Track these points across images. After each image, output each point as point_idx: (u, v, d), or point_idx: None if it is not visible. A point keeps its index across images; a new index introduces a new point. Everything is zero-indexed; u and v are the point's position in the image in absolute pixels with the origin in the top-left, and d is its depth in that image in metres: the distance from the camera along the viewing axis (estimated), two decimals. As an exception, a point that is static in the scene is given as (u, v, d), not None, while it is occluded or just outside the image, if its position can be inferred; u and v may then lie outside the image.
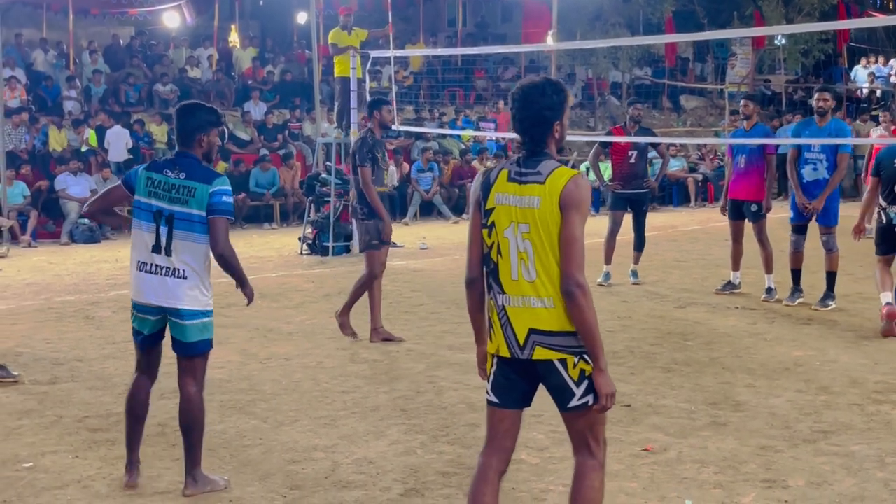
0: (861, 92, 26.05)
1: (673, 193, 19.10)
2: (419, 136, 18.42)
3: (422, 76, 22.62)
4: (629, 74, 25.75)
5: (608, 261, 10.00)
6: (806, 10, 25.17)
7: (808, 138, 8.58)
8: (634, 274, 10.10)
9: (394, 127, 14.62)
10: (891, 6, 31.66)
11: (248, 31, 25.10)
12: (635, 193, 10.06)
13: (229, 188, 4.48)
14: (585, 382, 3.30)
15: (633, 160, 9.99)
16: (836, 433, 5.25)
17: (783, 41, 25.76)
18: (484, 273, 3.47)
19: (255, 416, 5.66)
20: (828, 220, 8.60)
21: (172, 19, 21.66)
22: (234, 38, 23.09)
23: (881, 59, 26.98)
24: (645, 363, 6.80)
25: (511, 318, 3.35)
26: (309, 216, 13.42)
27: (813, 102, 8.84)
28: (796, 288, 8.88)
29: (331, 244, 12.51)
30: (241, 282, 4.58)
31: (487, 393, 3.51)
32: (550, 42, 19.80)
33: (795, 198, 8.64)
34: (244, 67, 21.41)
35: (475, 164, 18.13)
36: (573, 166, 19.03)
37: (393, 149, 18.27)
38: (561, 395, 3.35)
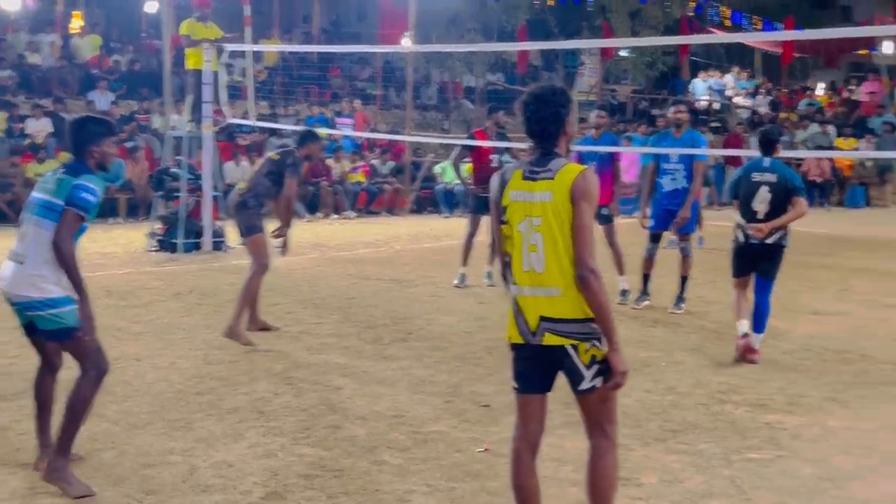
0: (700, 104, 27.28)
1: (524, 197, 19.47)
2: (273, 132, 18.12)
3: (277, 72, 22.27)
4: (483, 79, 26.12)
5: (464, 263, 10.12)
6: (651, 23, 26.17)
7: (668, 149, 8.92)
8: (489, 276, 10.24)
9: (248, 122, 14.45)
10: (728, 24, 33.33)
11: (93, 18, 24.05)
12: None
13: (96, 188, 4.39)
14: (595, 367, 3.57)
15: (494, 164, 10.15)
16: (685, 432, 5.47)
17: (629, 53, 26.71)
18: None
19: (106, 418, 5.42)
20: (686, 228, 8.98)
21: (12, 2, 20.54)
22: (75, 24, 22.10)
23: (718, 74, 28.36)
24: (503, 363, 6.81)
25: (522, 306, 3.60)
26: (157, 211, 12.99)
27: (670, 115, 9.20)
28: (644, 292, 9.22)
29: (181, 240, 12.15)
30: (77, 288, 4.40)
31: (512, 380, 3.77)
32: (407, 44, 19.86)
33: (678, 210, 8.84)
34: (87, 56, 20.50)
35: (330, 162, 18.00)
36: (430, 168, 19.16)
37: (246, 145, 17.94)
38: (573, 377, 3.61)
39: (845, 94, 26.10)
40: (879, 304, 9.52)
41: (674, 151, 8.89)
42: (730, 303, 8.69)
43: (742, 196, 7.11)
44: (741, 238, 7.14)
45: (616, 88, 28.66)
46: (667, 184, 8.94)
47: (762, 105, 25.90)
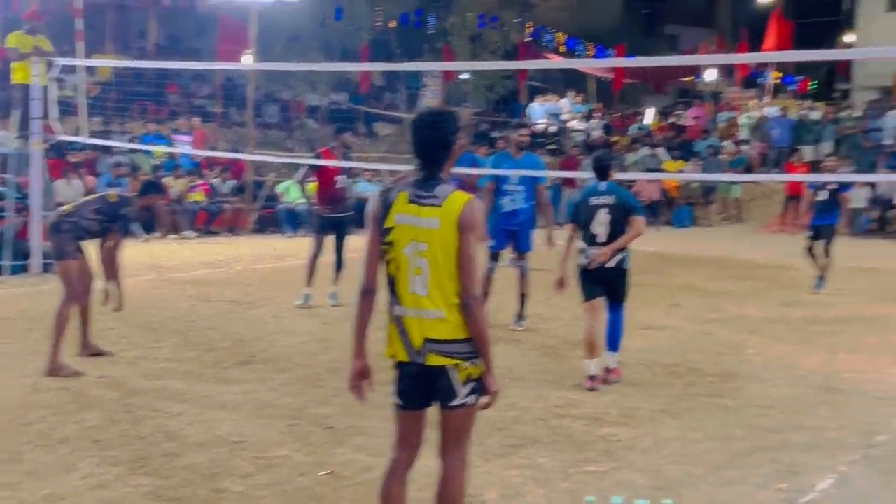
0: (537, 127, 28.05)
1: (368, 217, 19.48)
2: (106, 149, 17.47)
3: (111, 87, 21.52)
4: (326, 98, 26.05)
5: (308, 283, 10.04)
6: (491, 48, 26.82)
7: (509, 170, 9.15)
8: (334, 296, 10.20)
9: (80, 139, 13.89)
10: (563, 49, 34.49)
11: None
12: (340, 217, 10.21)
13: None
14: (470, 385, 3.71)
15: (340, 184, 10.17)
16: (525, 447, 5.60)
17: (470, 76, 27.24)
18: (378, 285, 3.79)
19: (-78, 454, 5.09)
20: (525, 247, 9.21)
21: None
22: None
23: (555, 98, 29.26)
24: (346, 384, 6.86)
25: (407, 327, 3.71)
26: (-20, 232, 12.28)
27: (517, 137, 9.45)
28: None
29: (7, 262, 11.54)
30: None
31: (393, 396, 3.84)
32: (248, 61, 19.58)
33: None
34: None
35: (168, 180, 17.49)
36: (272, 187, 18.90)
37: (77, 162, 17.23)
38: (446, 395, 3.72)
39: (672, 119, 27.39)
40: (705, 319, 10.02)
41: (545, 174, 9.14)
42: (569, 319, 8.97)
43: (582, 220, 7.14)
44: (584, 262, 7.14)
45: (457, 110, 29.14)
46: (506, 204, 9.17)
47: (596, 129, 26.87)
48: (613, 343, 7.24)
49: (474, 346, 3.70)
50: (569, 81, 31.52)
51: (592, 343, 7.07)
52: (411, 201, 3.69)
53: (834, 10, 37.17)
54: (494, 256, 9.31)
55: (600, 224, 7.03)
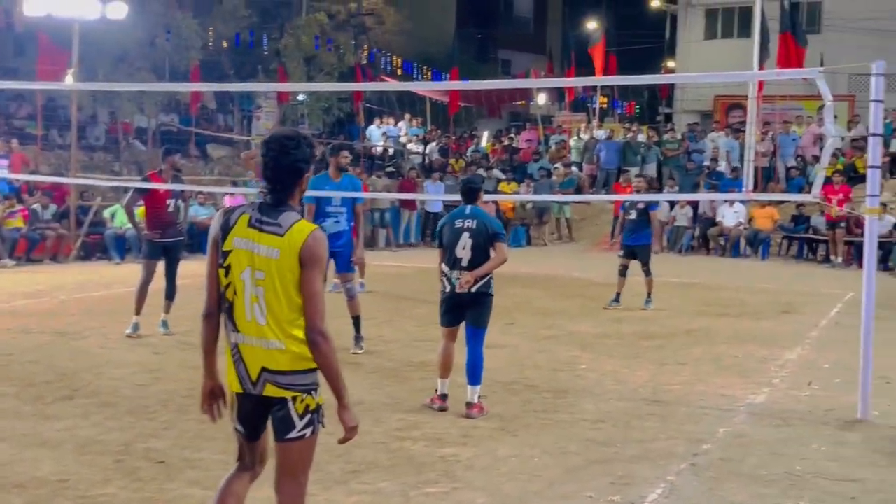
0: (376, 149, 28.15)
1: (202, 241, 18.98)
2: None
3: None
4: (155, 120, 25.26)
5: (138, 311, 9.66)
6: (326, 70, 26.73)
7: (332, 191, 9.07)
8: (165, 324, 9.84)
9: None
10: (399, 72, 34.83)
11: None
12: (171, 242, 9.88)
13: None
14: (307, 417, 3.62)
15: (171, 208, 9.83)
16: (365, 472, 5.54)
17: (306, 97, 27.04)
18: (219, 309, 3.67)
19: None
20: (347, 268, 9.15)
21: None
22: None
23: (392, 120, 29.46)
24: (179, 416, 6.63)
25: (244, 355, 3.59)
26: None
27: (339, 159, 9.34)
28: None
29: None
30: None
31: (234, 421, 3.74)
32: (70, 81, 18.76)
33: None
34: None
35: (-16, 207, 16.51)
36: (97, 211, 18.12)
37: None
38: (283, 426, 3.62)
39: (506, 142, 28.03)
40: (540, 337, 10.24)
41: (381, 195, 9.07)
42: (408, 341, 9.00)
43: (446, 243, 7.04)
44: (448, 287, 7.01)
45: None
46: (330, 226, 9.08)
47: (433, 151, 27.19)
48: (474, 376, 6.94)
49: (314, 377, 3.62)
50: (405, 104, 31.83)
51: (447, 363, 7.05)
52: (251, 225, 3.57)
53: (656, 37, 39.09)
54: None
55: (463, 248, 6.96)
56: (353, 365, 8.56)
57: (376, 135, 28.17)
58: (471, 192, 7.18)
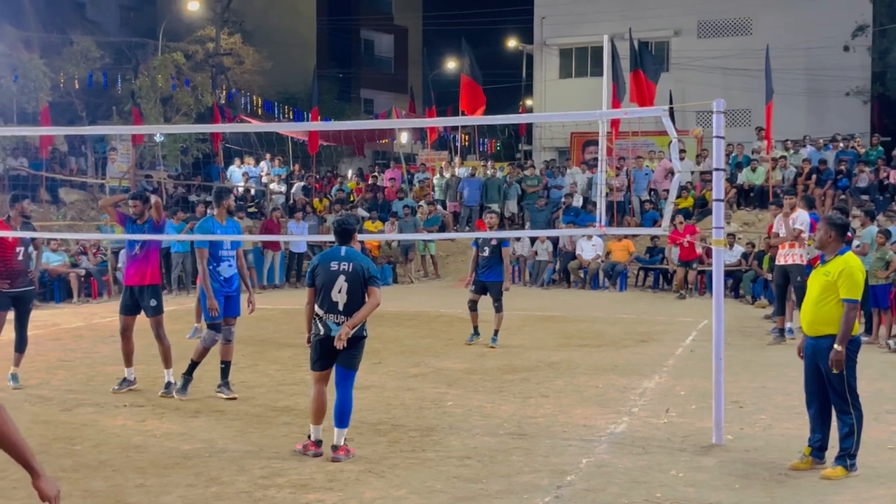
0: (238, 190, 27.71)
1: (55, 289, 18.24)
2: None
3: None
4: (3, 164, 24.20)
5: (-12, 364, 9.20)
6: (183, 110, 26.24)
7: (224, 236, 8.95)
8: (14, 377, 9.39)
9: None
10: (260, 112, 34.50)
11: None
12: (22, 291, 9.47)
13: None
14: None
15: (20, 257, 9.45)
16: (228, 523, 5.39)
17: (162, 138, 26.44)
18: None
19: None
20: (238, 311, 9.09)
21: None
22: None
23: (252, 160, 29.10)
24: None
25: None
26: None
27: (229, 202, 9.36)
28: (188, 379, 9.04)
29: None
30: None
31: None
32: None
33: (207, 299, 8.86)
34: None
35: None
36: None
37: None
38: None
39: (370, 180, 28.09)
40: (407, 375, 10.24)
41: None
42: (272, 385, 8.85)
43: (321, 285, 6.88)
44: (322, 330, 6.86)
45: (151, 174, 28.17)
46: (225, 270, 9.01)
47: (296, 191, 26.99)
48: (343, 419, 6.85)
49: None
50: (266, 144, 31.52)
51: (321, 409, 6.94)
52: None
53: (514, 76, 40.09)
54: (218, 326, 8.99)
55: (339, 291, 6.83)
56: (216, 412, 8.37)
57: (237, 175, 27.77)
58: (345, 233, 7.07)
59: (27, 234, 9.64)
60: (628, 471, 6.54)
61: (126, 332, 9.27)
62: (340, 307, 6.82)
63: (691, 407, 8.59)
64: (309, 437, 7.00)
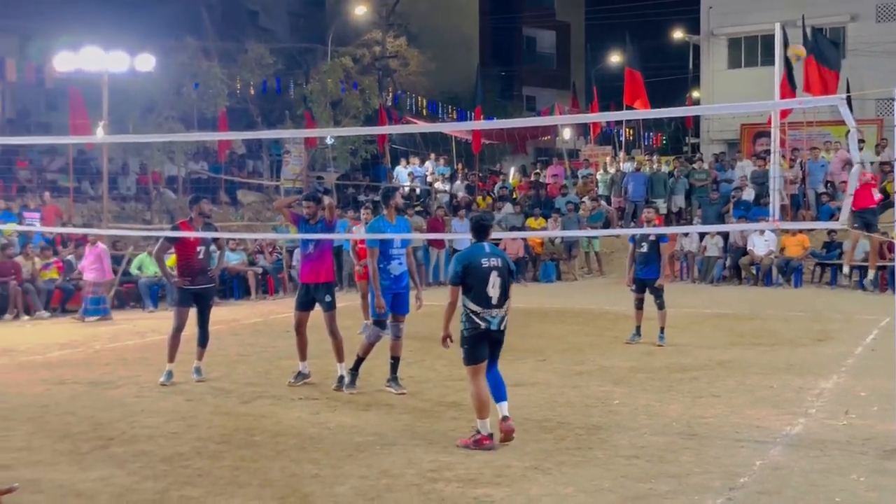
0: (403, 189, 28.28)
1: (234, 287, 19.15)
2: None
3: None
4: (185, 168, 25.62)
5: (171, 359, 9.74)
6: (352, 113, 27.00)
7: (394, 234, 9.16)
8: (198, 371, 9.91)
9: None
10: (424, 112, 35.08)
11: None
12: (203, 289, 9.99)
13: None
14: None
15: (201, 255, 9.95)
16: (398, 514, 5.52)
17: (333, 141, 27.31)
18: None
19: None
20: (406, 309, 9.27)
21: None
22: None
23: (418, 160, 29.64)
24: (212, 463, 6.65)
25: None
26: None
27: (395, 200, 9.55)
28: (354, 374, 9.28)
29: None
30: None
31: None
32: (101, 133, 19.10)
33: (375, 297, 9.07)
34: None
35: (19, 259, 16.76)
36: (129, 261, 18.30)
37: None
38: None
39: (532, 177, 28.08)
40: (572, 373, 10.18)
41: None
42: (439, 381, 8.98)
43: (473, 283, 7.13)
44: (482, 325, 7.12)
45: (322, 175, 29.14)
46: (395, 269, 9.18)
47: (460, 189, 27.29)
48: (504, 393, 7.24)
49: None
50: (431, 144, 32.03)
51: (485, 403, 7.12)
52: None
53: (680, 68, 39.17)
54: (383, 324, 9.20)
55: (493, 286, 7.14)
56: (385, 406, 8.57)
57: (403, 175, 28.35)
58: (483, 229, 7.42)
59: (208, 235, 10.14)
60: (805, 474, 6.28)
61: (301, 328, 9.63)
62: (494, 301, 7.15)
63: (872, 408, 8.16)
64: (478, 432, 7.09)
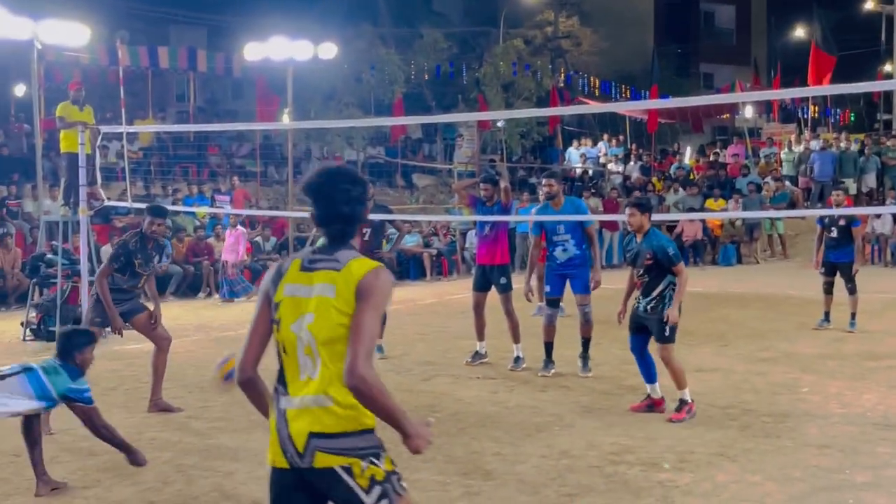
0: (575, 172, 28.09)
1: (410, 268, 19.58)
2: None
3: (152, 151, 21.95)
4: (363, 153, 26.33)
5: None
6: (524, 95, 26.99)
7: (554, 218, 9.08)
8: (380, 349, 10.21)
9: (125, 204, 14.14)
10: (597, 93, 34.64)
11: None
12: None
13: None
14: (377, 489, 3.02)
15: (367, 237, 10.21)
16: (581, 495, 5.52)
17: (504, 123, 27.38)
18: (258, 371, 3.21)
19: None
20: (585, 289, 9.05)
21: None
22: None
23: (590, 142, 29.31)
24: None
25: (290, 422, 3.03)
26: (32, 299, 12.51)
27: (541, 190, 9.40)
28: (549, 360, 9.19)
29: (58, 328, 11.70)
30: None
31: None
32: (286, 120, 19.89)
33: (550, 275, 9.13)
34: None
35: (211, 241, 17.73)
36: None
37: (122, 226, 17.53)
38: None
39: (711, 157, 27.27)
40: (756, 359, 9.87)
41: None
42: (616, 364, 8.91)
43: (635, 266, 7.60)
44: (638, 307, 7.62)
45: (494, 158, 29.30)
46: (559, 255, 9.06)
47: (634, 170, 26.83)
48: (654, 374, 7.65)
49: (373, 440, 3.07)
50: (603, 124, 31.62)
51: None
52: (303, 269, 3.12)
53: (871, 40, 37.02)
54: (553, 303, 9.20)
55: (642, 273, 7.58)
56: (562, 388, 8.58)
57: (575, 157, 28.12)
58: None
59: (375, 217, 10.27)
60: None
61: (478, 308, 9.73)
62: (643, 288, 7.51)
63: None
64: (684, 402, 7.39)
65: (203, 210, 18.46)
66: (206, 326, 13.06)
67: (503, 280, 9.53)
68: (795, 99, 29.47)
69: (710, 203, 22.45)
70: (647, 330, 7.48)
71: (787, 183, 23.24)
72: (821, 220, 12.03)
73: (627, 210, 7.64)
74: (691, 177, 25.72)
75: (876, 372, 9.04)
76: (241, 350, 3.20)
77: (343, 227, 3.18)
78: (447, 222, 20.78)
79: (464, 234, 20.54)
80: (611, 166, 27.46)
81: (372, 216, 10.20)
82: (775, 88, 26.31)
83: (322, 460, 2.99)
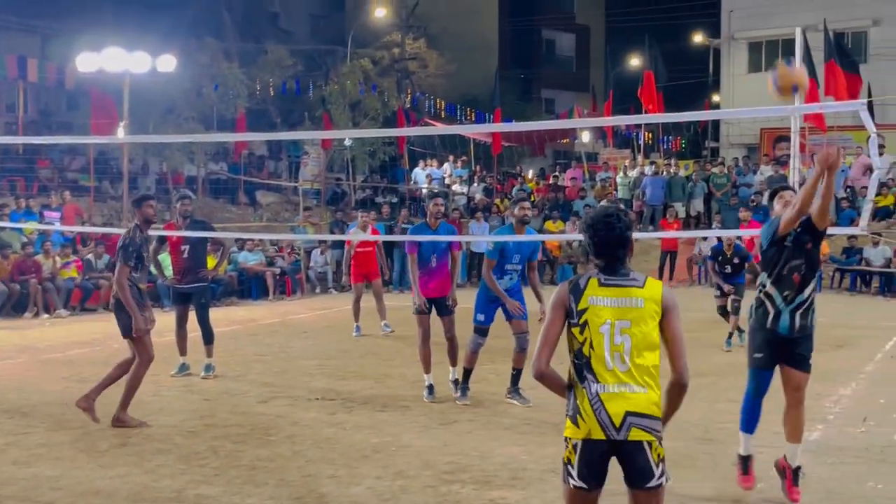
0: (421, 192, 28.31)
1: (252, 287, 19.22)
2: (-26, 227, 16.78)
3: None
4: (204, 168, 25.72)
5: (182, 352, 10.09)
6: (370, 115, 27.04)
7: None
8: (207, 368, 10.00)
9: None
10: (443, 115, 35.09)
11: None
12: (194, 287, 10.08)
13: None
14: (661, 466, 3.74)
15: (185, 254, 10.03)
16: None
17: (351, 143, 27.35)
18: (550, 369, 3.91)
19: None
20: (523, 315, 8.70)
21: None
22: None
23: (436, 162, 29.63)
24: (229, 463, 6.68)
25: (605, 403, 3.74)
26: None
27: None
28: (466, 386, 8.90)
29: None
30: None
31: (570, 478, 3.78)
32: (121, 134, 19.23)
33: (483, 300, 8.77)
34: None
35: (39, 258, 16.88)
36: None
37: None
38: (641, 475, 3.73)
39: (551, 180, 28.04)
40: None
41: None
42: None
43: None
44: None
45: (341, 177, 29.20)
46: (504, 283, 8.76)
47: (477, 191, 27.28)
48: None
49: (660, 426, 3.80)
50: (449, 146, 32.03)
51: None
52: (603, 285, 3.88)
53: (700, 72, 39.01)
54: (483, 331, 8.80)
55: None
56: (401, 408, 8.56)
57: (421, 177, 28.36)
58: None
59: (193, 234, 10.05)
60: (822, 480, 6.25)
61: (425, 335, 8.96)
62: None
63: (892, 416, 8.12)
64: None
65: (30, 226, 17.57)
66: (31, 347, 12.42)
67: (447, 303, 8.93)
68: (630, 125, 30.70)
69: (549, 224, 23.10)
70: None
71: (621, 206, 24.12)
72: (712, 256, 12.75)
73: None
74: (532, 199, 26.38)
75: (700, 388, 9.43)
76: (538, 351, 3.92)
77: (618, 256, 3.96)
78: (292, 241, 20.54)
79: (308, 253, 20.35)
80: (455, 187, 27.82)
81: (190, 233, 10.01)
82: (606, 115, 27.30)
83: (636, 434, 3.72)
